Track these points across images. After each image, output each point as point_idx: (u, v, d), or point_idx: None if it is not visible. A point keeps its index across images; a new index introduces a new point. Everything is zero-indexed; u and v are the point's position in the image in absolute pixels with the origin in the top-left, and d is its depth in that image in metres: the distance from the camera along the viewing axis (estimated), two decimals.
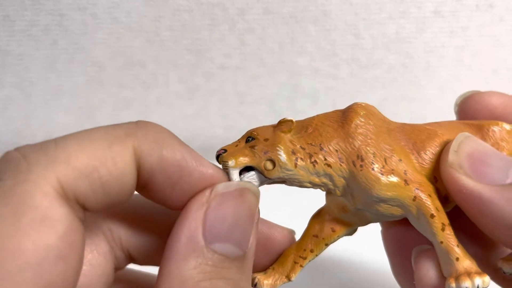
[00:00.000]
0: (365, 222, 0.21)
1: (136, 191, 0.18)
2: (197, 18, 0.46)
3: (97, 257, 0.19)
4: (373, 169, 0.19)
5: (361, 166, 0.19)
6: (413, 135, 0.20)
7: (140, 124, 0.17)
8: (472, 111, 0.23)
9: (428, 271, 0.19)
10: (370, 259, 0.35)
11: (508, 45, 0.48)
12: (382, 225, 0.24)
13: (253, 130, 0.20)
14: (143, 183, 0.17)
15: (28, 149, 0.16)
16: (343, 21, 0.46)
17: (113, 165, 0.16)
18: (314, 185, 0.20)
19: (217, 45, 0.47)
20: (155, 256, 0.20)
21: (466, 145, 0.19)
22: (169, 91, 0.50)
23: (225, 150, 0.19)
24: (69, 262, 0.15)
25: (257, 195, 0.18)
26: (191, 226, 0.17)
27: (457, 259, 0.18)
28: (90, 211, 0.16)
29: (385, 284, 0.33)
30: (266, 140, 0.19)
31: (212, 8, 0.46)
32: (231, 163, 0.19)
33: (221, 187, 0.18)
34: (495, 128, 0.21)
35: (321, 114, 0.20)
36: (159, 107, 0.51)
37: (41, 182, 0.15)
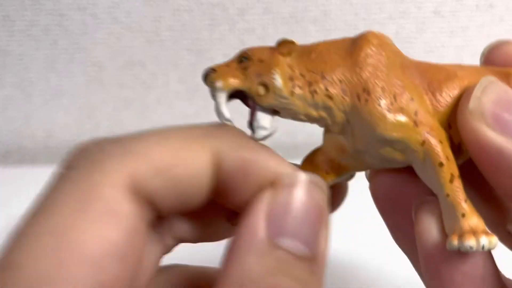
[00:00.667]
0: (364, 167, 0.19)
1: (213, 197, 0.17)
2: (197, 18, 0.46)
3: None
4: (379, 104, 0.16)
5: (366, 100, 0.16)
6: (429, 74, 0.18)
7: (219, 126, 0.17)
8: (500, 62, 0.20)
9: (430, 225, 0.17)
10: (370, 260, 0.35)
11: None
12: (369, 177, 0.21)
13: (248, 49, 0.18)
14: (220, 188, 0.16)
15: (105, 140, 0.15)
16: (343, 21, 0.46)
17: (190, 165, 0.15)
18: (310, 119, 0.17)
19: (217, 45, 0.47)
20: (209, 235, 0.19)
21: (491, 91, 0.17)
22: (169, 91, 0.50)
23: (214, 70, 0.17)
24: (128, 263, 0.14)
25: (325, 191, 0.16)
26: (253, 219, 0.15)
27: (463, 215, 0.16)
28: (160, 211, 0.15)
29: (384, 284, 0.33)
30: (261, 61, 0.17)
31: (212, 8, 0.46)
32: (219, 84, 0.17)
33: (287, 178, 0.16)
34: None
35: (328, 40, 0.18)
36: (159, 107, 0.51)
37: (114, 174, 0.14)
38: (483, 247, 0.15)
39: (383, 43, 0.18)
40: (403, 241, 0.20)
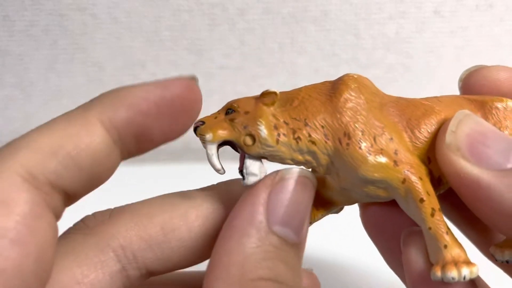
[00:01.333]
0: (351, 202, 0.20)
1: (137, 152, 0.18)
2: (197, 18, 0.46)
3: (101, 277, 0.18)
4: (360, 147, 0.17)
5: (347, 144, 0.17)
6: (408, 111, 0.19)
7: (99, 95, 0.17)
8: (477, 87, 0.21)
9: (416, 256, 0.18)
10: (367, 262, 0.35)
11: (508, 45, 0.48)
12: (360, 207, 0.22)
13: (234, 101, 0.19)
14: (134, 137, 0.17)
15: None
16: (343, 21, 0.46)
17: (78, 139, 0.16)
18: (297, 163, 0.18)
19: (217, 45, 0.47)
20: (182, 262, 0.19)
21: (465, 124, 0.18)
22: None
23: (203, 122, 0.18)
24: (26, 248, 0.14)
25: (315, 186, 0.18)
26: (254, 205, 0.17)
27: (445, 246, 0.17)
28: (73, 194, 0.16)
29: (383, 285, 0.33)
30: (246, 113, 0.18)
31: (212, 8, 0.46)
32: (208, 136, 0.18)
33: (286, 172, 0.18)
34: (499, 105, 0.19)
35: (309, 86, 0.19)
36: None
37: (5, 166, 0.15)
38: (464, 278, 0.16)
39: (362, 85, 0.19)
40: (393, 264, 0.22)
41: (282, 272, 0.16)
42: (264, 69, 0.49)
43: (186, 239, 0.18)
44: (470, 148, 0.17)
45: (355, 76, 0.19)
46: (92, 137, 0.16)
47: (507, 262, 0.19)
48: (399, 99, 0.20)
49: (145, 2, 0.45)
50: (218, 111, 0.19)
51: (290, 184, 0.17)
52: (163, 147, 0.18)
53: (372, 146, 0.17)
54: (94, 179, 0.17)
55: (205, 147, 0.18)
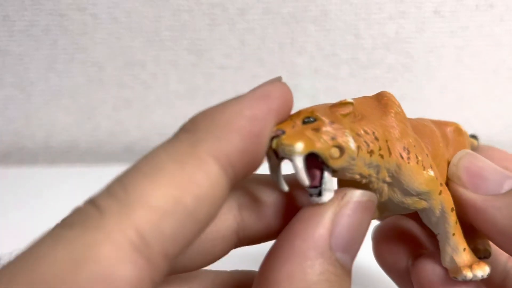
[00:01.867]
0: (384, 215, 0.20)
1: (238, 182, 0.15)
2: (197, 18, 0.46)
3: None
4: (417, 162, 0.18)
5: (408, 159, 0.18)
6: (419, 129, 0.20)
7: (194, 122, 0.15)
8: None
9: (433, 271, 0.20)
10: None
11: (508, 45, 0.48)
12: (374, 242, 0.24)
13: (311, 109, 0.17)
14: (246, 167, 0.15)
15: (96, 197, 0.13)
16: (343, 21, 0.46)
17: (195, 187, 0.13)
18: (361, 177, 0.17)
19: (217, 45, 0.47)
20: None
21: (465, 159, 0.20)
22: (169, 91, 0.50)
23: (284, 131, 0.16)
24: None
25: (375, 205, 0.17)
26: (320, 228, 0.15)
27: (464, 249, 0.19)
28: (180, 253, 0.14)
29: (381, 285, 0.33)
30: (332, 122, 0.16)
31: (212, 8, 0.46)
32: (298, 147, 0.15)
33: (356, 194, 0.16)
34: (448, 130, 0.22)
35: (358, 99, 0.19)
36: (159, 107, 0.51)
37: (114, 231, 0.12)
38: (488, 274, 0.19)
39: (398, 102, 0.19)
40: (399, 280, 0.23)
41: None
42: (264, 69, 0.49)
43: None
44: (468, 178, 0.20)
45: (391, 94, 0.19)
46: (210, 181, 0.13)
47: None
48: (409, 118, 0.20)
49: (145, 2, 0.45)
50: (291, 118, 0.17)
51: (357, 207, 0.16)
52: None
53: (423, 160, 0.18)
54: (204, 229, 0.14)
55: (290, 159, 0.15)
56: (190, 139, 0.14)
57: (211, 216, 0.14)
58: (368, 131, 0.17)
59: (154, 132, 0.53)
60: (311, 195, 0.16)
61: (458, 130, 0.23)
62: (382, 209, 0.19)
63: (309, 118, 0.16)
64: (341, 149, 0.16)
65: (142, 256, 0.12)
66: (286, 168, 0.17)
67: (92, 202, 0.13)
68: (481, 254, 0.21)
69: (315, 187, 0.16)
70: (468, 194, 0.19)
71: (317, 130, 0.16)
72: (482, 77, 0.50)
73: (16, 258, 0.12)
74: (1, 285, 0.11)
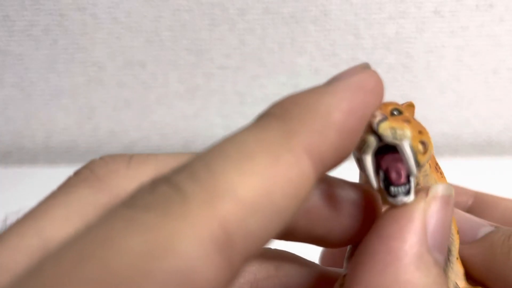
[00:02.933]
0: None
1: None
2: (197, 18, 0.46)
3: None
4: (437, 171, 0.17)
5: (436, 168, 0.17)
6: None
7: (284, 108, 0.13)
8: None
9: None
10: None
11: (508, 45, 0.48)
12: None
13: (395, 103, 0.16)
14: (335, 163, 0.14)
15: (176, 178, 0.11)
16: (343, 21, 0.46)
17: (287, 183, 0.12)
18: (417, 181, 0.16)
19: (217, 45, 0.47)
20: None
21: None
22: (169, 91, 0.50)
23: (386, 117, 0.15)
24: None
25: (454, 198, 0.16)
26: (417, 228, 0.14)
27: (464, 274, 0.18)
28: (253, 257, 0.12)
29: None
30: (412, 119, 0.15)
31: (212, 8, 0.46)
32: (408, 132, 0.14)
33: (440, 189, 0.15)
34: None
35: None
36: (159, 107, 0.51)
37: (198, 222, 0.10)
38: None
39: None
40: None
41: None
42: (264, 69, 0.49)
43: None
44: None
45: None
46: (302, 178, 0.12)
47: None
48: None
49: (145, 2, 0.45)
50: (380, 108, 0.15)
51: (443, 203, 0.15)
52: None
53: (442, 173, 0.18)
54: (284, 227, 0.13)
55: (400, 144, 0.15)
56: (282, 128, 0.12)
57: (295, 213, 0.12)
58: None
59: (154, 132, 0.53)
60: (394, 195, 0.15)
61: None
62: None
63: (396, 110, 0.15)
64: (425, 145, 0.15)
65: (225, 255, 0.11)
66: None
67: (172, 184, 0.11)
68: None
69: (401, 185, 0.15)
70: None
71: (408, 122, 0.15)
72: (482, 77, 0.50)
73: (76, 240, 0.10)
74: (71, 272, 0.10)
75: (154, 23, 0.46)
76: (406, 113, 0.16)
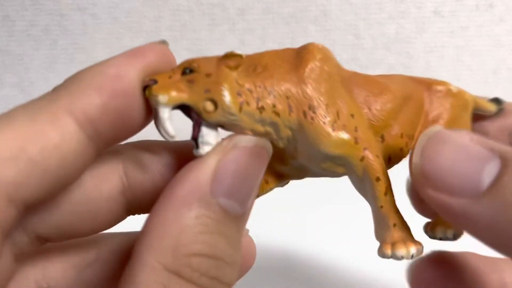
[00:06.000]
0: (303, 176, 0.19)
1: (116, 141, 0.16)
2: (197, 18, 0.46)
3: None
4: (324, 122, 0.16)
5: (312, 118, 0.16)
6: (366, 88, 0.18)
7: (62, 83, 0.15)
8: None
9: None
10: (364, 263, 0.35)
11: (508, 45, 0.48)
12: (409, 268, 0.22)
13: (192, 60, 0.17)
14: (112, 125, 0.15)
15: None
16: (343, 21, 0.46)
17: (44, 139, 0.14)
18: (256, 134, 0.17)
19: (217, 45, 0.47)
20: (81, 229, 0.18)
21: (429, 152, 0.16)
22: None
23: (156, 81, 0.16)
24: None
25: (269, 157, 0.17)
26: (200, 174, 0.15)
27: (395, 225, 0.17)
28: (34, 202, 0.14)
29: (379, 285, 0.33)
30: (208, 75, 0.16)
31: (212, 8, 0.46)
32: (162, 98, 0.15)
33: (243, 139, 0.16)
34: (441, 88, 0.20)
35: (272, 51, 0.18)
36: None
37: None
38: (412, 256, 0.17)
39: (326, 57, 0.17)
40: None
41: (220, 247, 0.15)
42: None
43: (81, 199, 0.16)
44: (438, 178, 0.16)
45: (320, 46, 0.17)
46: (62, 135, 0.14)
47: (440, 239, 0.20)
48: (356, 75, 0.19)
49: (145, 2, 0.45)
50: (173, 70, 0.17)
51: (243, 153, 0.16)
52: None
53: (335, 121, 0.17)
54: (62, 182, 0.15)
55: (156, 109, 0.16)
56: (50, 96, 0.15)
57: (67, 168, 0.14)
58: (262, 85, 0.16)
59: (154, 132, 0.53)
60: (196, 148, 0.16)
61: (446, 91, 0.20)
62: (302, 171, 0.18)
63: (188, 69, 0.16)
64: (215, 102, 0.16)
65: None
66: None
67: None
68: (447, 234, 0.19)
69: (197, 138, 0.16)
70: (441, 197, 0.16)
71: (191, 82, 0.16)
72: (482, 77, 0.50)
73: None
74: None
75: (154, 23, 0.46)
76: (202, 70, 0.16)
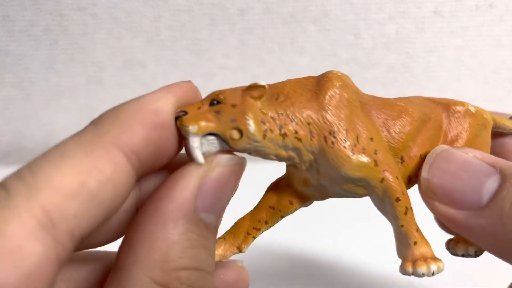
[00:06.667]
0: (325, 197, 0.20)
1: (153, 170, 0.17)
2: (197, 18, 0.46)
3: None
4: (344, 147, 0.18)
5: (332, 142, 0.18)
6: (385, 111, 0.20)
7: (102, 117, 0.16)
8: None
9: None
10: (364, 263, 0.35)
11: (508, 45, 0.48)
12: None
13: (219, 92, 0.18)
14: (152, 156, 0.16)
15: (5, 180, 0.14)
16: (343, 21, 0.46)
17: (99, 173, 0.14)
18: (280, 158, 0.18)
19: (217, 45, 0.47)
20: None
21: (436, 168, 0.19)
22: None
23: (186, 112, 0.17)
24: None
25: (243, 168, 0.18)
26: (186, 191, 0.16)
27: (415, 243, 0.18)
28: (88, 234, 0.15)
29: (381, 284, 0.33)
30: (234, 106, 0.17)
31: (212, 8, 0.46)
32: (192, 128, 0.17)
33: (225, 159, 0.17)
34: (460, 108, 0.21)
35: (293, 80, 0.19)
36: None
37: (22, 210, 0.13)
38: (433, 273, 0.18)
39: (345, 84, 0.19)
40: None
41: (203, 258, 0.16)
42: (264, 69, 0.49)
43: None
44: (443, 193, 0.18)
45: (339, 74, 0.19)
46: (114, 168, 0.15)
47: (462, 256, 0.20)
48: (375, 99, 0.20)
49: (145, 2, 0.45)
50: (201, 101, 0.18)
51: (224, 172, 0.17)
52: None
53: (355, 145, 0.18)
54: (113, 211, 0.15)
55: (187, 138, 0.17)
56: (96, 130, 0.16)
57: (118, 199, 0.15)
58: (285, 113, 0.18)
59: None
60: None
61: (465, 112, 0.21)
62: (324, 192, 0.20)
63: (215, 101, 0.17)
64: (240, 131, 0.17)
65: (49, 234, 0.13)
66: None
67: (1, 185, 0.14)
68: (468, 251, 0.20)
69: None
70: (446, 210, 0.18)
71: (218, 112, 0.17)
72: (482, 77, 0.50)
73: None
74: None
75: (154, 23, 0.46)
76: (228, 102, 0.17)
